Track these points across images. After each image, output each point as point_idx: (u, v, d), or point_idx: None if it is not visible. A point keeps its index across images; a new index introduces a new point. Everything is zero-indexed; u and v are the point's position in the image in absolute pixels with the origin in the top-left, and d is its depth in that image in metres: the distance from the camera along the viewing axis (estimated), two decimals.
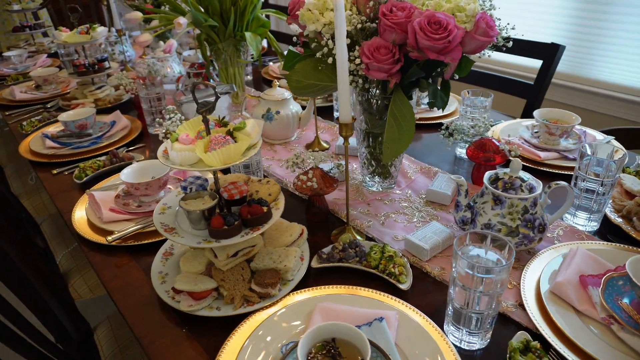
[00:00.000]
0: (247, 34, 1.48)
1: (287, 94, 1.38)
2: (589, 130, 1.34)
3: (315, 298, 0.79)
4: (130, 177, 1.10)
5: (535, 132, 1.35)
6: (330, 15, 0.90)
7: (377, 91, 1.01)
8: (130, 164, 1.16)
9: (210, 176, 1.18)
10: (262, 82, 2.01)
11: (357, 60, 0.90)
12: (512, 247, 0.67)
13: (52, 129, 1.53)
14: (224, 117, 0.83)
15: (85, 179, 1.23)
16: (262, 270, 0.82)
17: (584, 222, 0.98)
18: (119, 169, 1.27)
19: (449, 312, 0.73)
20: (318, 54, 0.94)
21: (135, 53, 2.09)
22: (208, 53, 1.58)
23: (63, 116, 1.45)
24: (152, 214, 1.04)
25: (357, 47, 0.92)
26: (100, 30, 1.70)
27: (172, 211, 0.86)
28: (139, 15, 1.53)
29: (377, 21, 0.91)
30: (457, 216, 0.93)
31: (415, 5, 0.87)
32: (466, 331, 0.71)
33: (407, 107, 0.93)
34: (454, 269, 0.69)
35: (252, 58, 1.61)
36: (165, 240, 0.96)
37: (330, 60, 0.91)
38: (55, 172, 1.30)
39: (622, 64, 2.15)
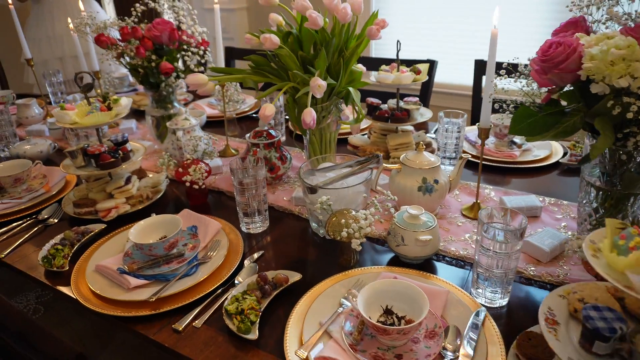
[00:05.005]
0: (351, 89, 1.21)
1: (435, 157, 1.15)
2: None
3: None
4: (365, 309, 0.76)
5: None
6: None
7: None
8: (291, 287, 0.80)
9: None
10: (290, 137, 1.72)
11: None
12: None
13: (107, 257, 1.02)
14: None
15: (254, 327, 0.81)
16: None
17: None
18: (283, 298, 0.88)
19: None
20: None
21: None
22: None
23: (134, 235, 0.97)
24: None
25: None
26: (125, 102, 1.22)
27: None
28: (203, 78, 1.13)
29: None
30: None
31: None
32: None
33: None
34: None
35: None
36: None
37: None
38: (180, 328, 0.85)
39: None
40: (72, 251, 1.05)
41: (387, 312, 0.80)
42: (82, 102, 1.20)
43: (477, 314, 0.82)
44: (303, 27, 1.15)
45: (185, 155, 1.31)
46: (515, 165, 1.41)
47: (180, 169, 1.20)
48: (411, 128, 1.56)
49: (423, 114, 1.46)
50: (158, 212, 1.23)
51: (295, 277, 0.94)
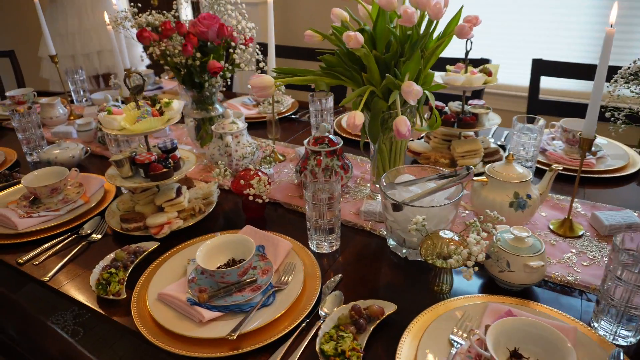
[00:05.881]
0: (427, 93, 1.09)
1: (524, 169, 1.03)
2: None
3: None
4: (496, 351, 0.65)
5: None
6: None
7: None
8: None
9: None
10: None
11: None
12: None
13: (167, 283, 0.91)
14: None
15: None
16: None
17: None
18: (378, 333, 0.77)
19: None
20: None
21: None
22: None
23: (202, 259, 0.86)
24: None
25: None
26: (177, 106, 1.10)
27: None
28: (269, 80, 1.02)
29: None
30: None
31: None
32: None
33: None
34: None
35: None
36: None
37: None
38: None
39: None
40: (127, 275, 0.94)
41: (515, 355, 0.69)
42: (128, 106, 1.08)
43: (615, 356, 0.71)
44: (378, 25, 1.03)
45: (236, 162, 1.20)
46: (589, 175, 1.30)
47: (242, 181, 1.09)
48: (472, 133, 1.45)
49: (491, 119, 1.35)
50: (211, 228, 1.13)
51: (390, 308, 0.82)
